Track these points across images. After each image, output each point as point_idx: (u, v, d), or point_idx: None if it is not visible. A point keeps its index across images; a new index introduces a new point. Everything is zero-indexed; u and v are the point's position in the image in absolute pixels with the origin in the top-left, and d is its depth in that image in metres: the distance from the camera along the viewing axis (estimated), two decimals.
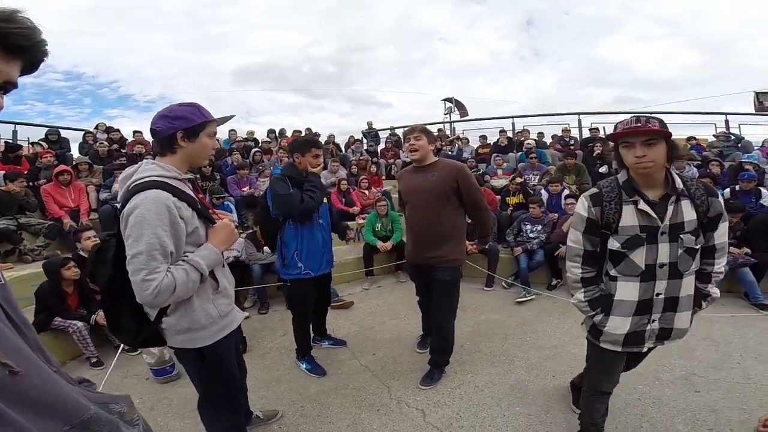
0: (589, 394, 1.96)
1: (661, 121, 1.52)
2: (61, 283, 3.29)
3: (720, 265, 1.65)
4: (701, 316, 3.67)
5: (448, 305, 2.70)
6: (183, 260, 1.40)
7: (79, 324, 3.18)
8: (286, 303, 2.96)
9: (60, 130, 7.88)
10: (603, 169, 6.79)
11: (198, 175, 5.18)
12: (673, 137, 1.55)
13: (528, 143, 8.13)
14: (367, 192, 6.80)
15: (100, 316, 3.29)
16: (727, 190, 5.15)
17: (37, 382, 0.64)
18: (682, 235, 1.55)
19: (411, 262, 2.89)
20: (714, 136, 8.62)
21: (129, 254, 1.31)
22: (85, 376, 0.90)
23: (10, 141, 7.61)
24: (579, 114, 10.47)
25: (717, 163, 5.84)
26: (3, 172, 5.40)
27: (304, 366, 3.00)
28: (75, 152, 7.63)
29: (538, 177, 6.72)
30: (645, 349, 1.75)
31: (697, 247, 1.58)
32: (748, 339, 3.27)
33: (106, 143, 7.54)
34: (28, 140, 8.02)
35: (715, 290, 1.70)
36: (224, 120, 1.66)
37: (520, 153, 8.23)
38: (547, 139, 9.74)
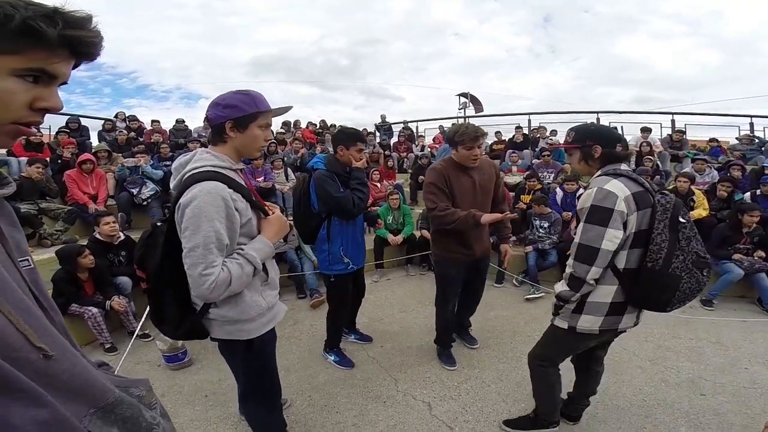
0: None
1: (576, 132, 1.80)
2: (77, 270, 3.31)
3: (568, 267, 1.79)
4: (712, 320, 3.69)
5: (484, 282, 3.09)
6: (238, 253, 1.38)
7: (94, 310, 3.23)
8: (327, 296, 2.91)
9: (80, 118, 8.04)
10: None
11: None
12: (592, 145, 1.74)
13: (550, 142, 8.03)
14: (378, 185, 6.82)
15: (115, 302, 3.36)
16: (748, 194, 5.05)
17: (67, 366, 0.65)
18: None
19: (463, 262, 2.72)
20: (737, 138, 8.42)
21: (186, 247, 1.29)
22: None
23: None
24: (598, 113, 10.32)
25: (738, 167, 5.71)
26: (26, 158, 5.56)
27: (332, 358, 2.99)
28: (94, 140, 7.79)
29: (552, 175, 6.67)
30: None
31: (574, 234, 1.82)
32: (757, 344, 3.24)
33: (125, 131, 7.70)
34: (50, 128, 8.19)
35: (557, 285, 1.86)
36: (281, 111, 1.57)
37: (536, 150, 8.17)
38: (561, 138, 9.61)
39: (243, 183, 1.46)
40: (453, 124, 11.63)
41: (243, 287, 1.41)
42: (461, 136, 2.47)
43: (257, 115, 1.42)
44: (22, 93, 0.61)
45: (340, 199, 2.44)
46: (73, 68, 0.69)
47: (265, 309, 1.53)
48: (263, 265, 1.49)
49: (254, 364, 1.64)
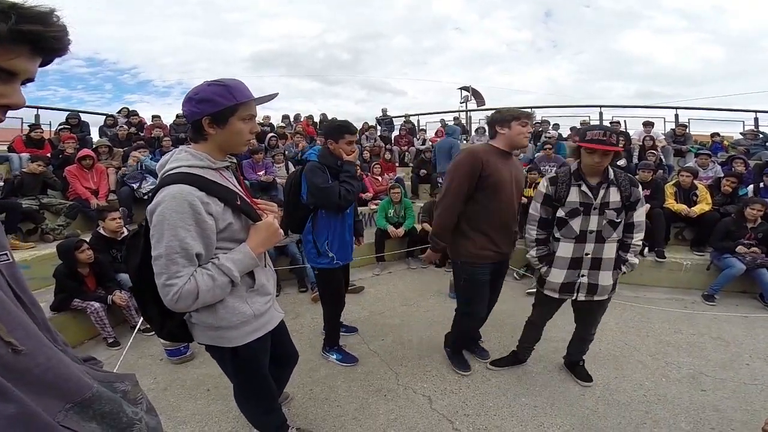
0: (531, 325, 2.70)
1: (627, 136, 2.08)
2: (76, 265, 3.29)
3: (637, 238, 2.20)
4: (713, 315, 3.68)
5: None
6: (212, 263, 1.28)
7: (97, 305, 3.23)
8: (318, 291, 2.87)
9: (80, 114, 8.02)
10: (621, 162, 6.67)
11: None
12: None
13: (548, 135, 8.03)
14: (380, 178, 6.84)
15: (116, 296, 3.36)
16: (751, 186, 5.02)
17: (41, 361, 0.64)
18: (607, 211, 2.14)
19: (493, 263, 2.45)
20: (741, 133, 8.37)
21: (153, 255, 1.23)
22: (98, 356, 0.91)
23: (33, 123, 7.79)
24: (601, 107, 10.26)
25: (741, 161, 5.68)
26: (27, 155, 5.58)
27: (334, 357, 2.95)
28: (95, 136, 7.79)
29: (554, 168, 6.65)
30: (581, 297, 2.29)
31: (617, 220, 2.16)
32: (759, 340, 3.24)
33: (125, 127, 7.70)
34: (50, 124, 8.18)
35: (633, 258, 2.22)
36: (264, 99, 1.43)
37: (538, 144, 8.16)
38: (564, 131, 9.60)
39: (226, 183, 1.36)
40: (455, 118, 11.65)
41: (217, 299, 1.32)
42: (515, 111, 2.33)
43: (236, 107, 1.29)
44: None
45: (325, 189, 2.40)
46: (45, 64, 0.67)
47: (250, 317, 1.43)
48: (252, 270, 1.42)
49: (244, 371, 1.59)
